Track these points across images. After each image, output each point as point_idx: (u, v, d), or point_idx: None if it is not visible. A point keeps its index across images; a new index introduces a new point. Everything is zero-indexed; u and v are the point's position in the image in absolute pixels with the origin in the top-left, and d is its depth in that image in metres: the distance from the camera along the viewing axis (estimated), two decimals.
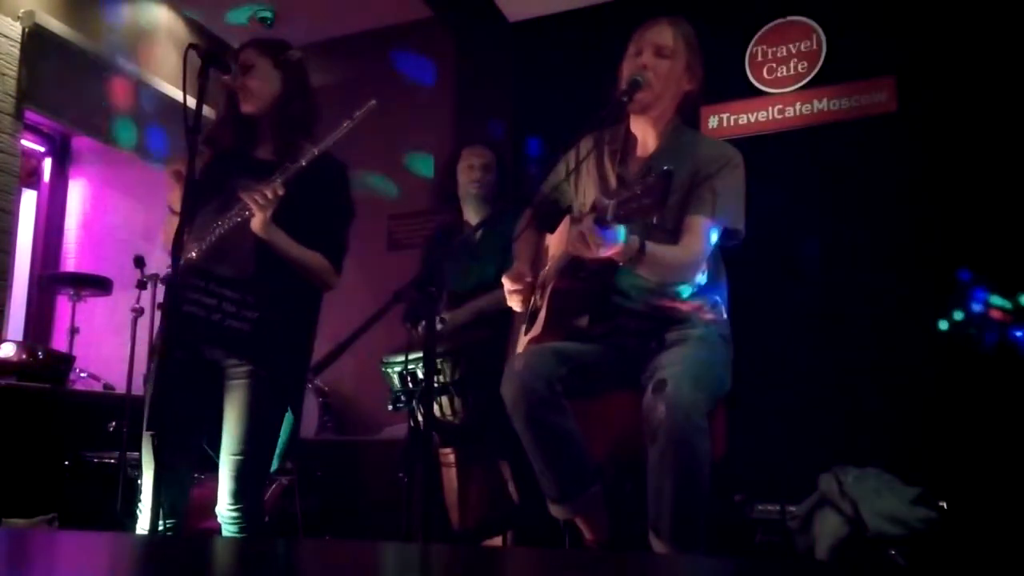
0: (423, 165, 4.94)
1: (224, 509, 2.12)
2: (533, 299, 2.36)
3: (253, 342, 2.15)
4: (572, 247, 1.96)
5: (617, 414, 2.15)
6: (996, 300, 3.09)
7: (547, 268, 2.36)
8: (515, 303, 2.34)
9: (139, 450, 2.17)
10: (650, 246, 1.97)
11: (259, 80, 2.29)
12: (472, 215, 3.16)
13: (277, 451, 2.28)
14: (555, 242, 2.41)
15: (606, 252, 1.90)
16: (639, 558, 1.63)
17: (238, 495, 2.10)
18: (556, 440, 2.05)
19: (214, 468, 2.19)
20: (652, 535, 1.97)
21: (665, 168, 1.78)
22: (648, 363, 2.08)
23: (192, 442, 2.20)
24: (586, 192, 2.34)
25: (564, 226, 2.36)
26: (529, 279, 2.33)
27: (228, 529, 2.13)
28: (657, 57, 2.19)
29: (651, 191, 1.78)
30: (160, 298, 2.42)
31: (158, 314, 2.38)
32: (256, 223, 2.12)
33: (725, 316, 2.26)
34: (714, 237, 2.13)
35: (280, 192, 2.10)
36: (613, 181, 2.27)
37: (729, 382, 2.17)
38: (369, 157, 4.98)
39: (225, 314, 2.15)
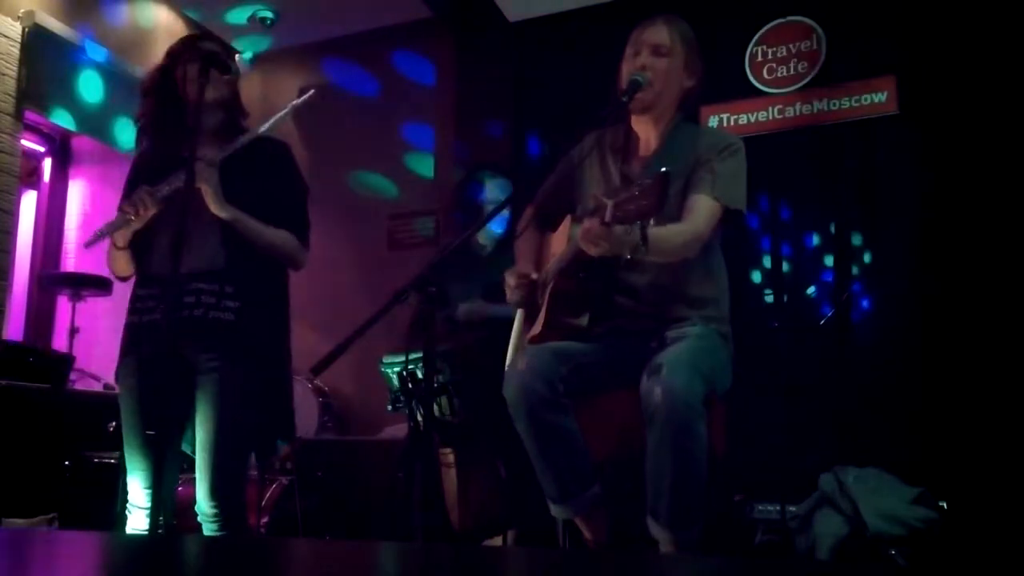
0: (423, 165, 4.95)
1: (203, 507, 2.10)
2: (535, 298, 2.37)
3: (239, 331, 2.14)
4: (582, 243, 1.97)
5: (617, 414, 2.15)
6: None
7: (548, 267, 2.36)
8: (515, 301, 2.35)
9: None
10: (651, 232, 1.95)
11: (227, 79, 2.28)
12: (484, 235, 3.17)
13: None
14: (557, 241, 2.42)
15: (610, 250, 1.92)
16: (638, 557, 1.63)
17: (214, 492, 2.08)
18: (557, 440, 2.06)
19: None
20: (650, 519, 1.97)
21: (663, 170, 1.78)
22: (648, 362, 2.08)
23: (177, 440, 2.19)
24: (589, 191, 2.34)
25: (566, 225, 2.36)
26: (532, 277, 2.33)
27: (207, 527, 2.10)
28: (655, 56, 2.20)
29: (649, 192, 1.78)
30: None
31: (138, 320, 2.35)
32: (210, 201, 2.11)
33: (725, 315, 2.26)
34: (714, 210, 2.13)
35: (216, 161, 2.11)
36: (617, 180, 2.27)
37: (729, 380, 2.17)
38: (370, 157, 5.00)
39: (207, 307, 2.13)
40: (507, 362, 2.37)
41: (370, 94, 5.12)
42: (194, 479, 2.12)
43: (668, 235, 2.06)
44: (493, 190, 3.14)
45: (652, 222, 1.83)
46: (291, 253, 2.28)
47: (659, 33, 2.21)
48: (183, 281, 2.11)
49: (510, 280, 2.31)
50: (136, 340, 2.18)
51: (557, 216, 2.45)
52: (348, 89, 5.18)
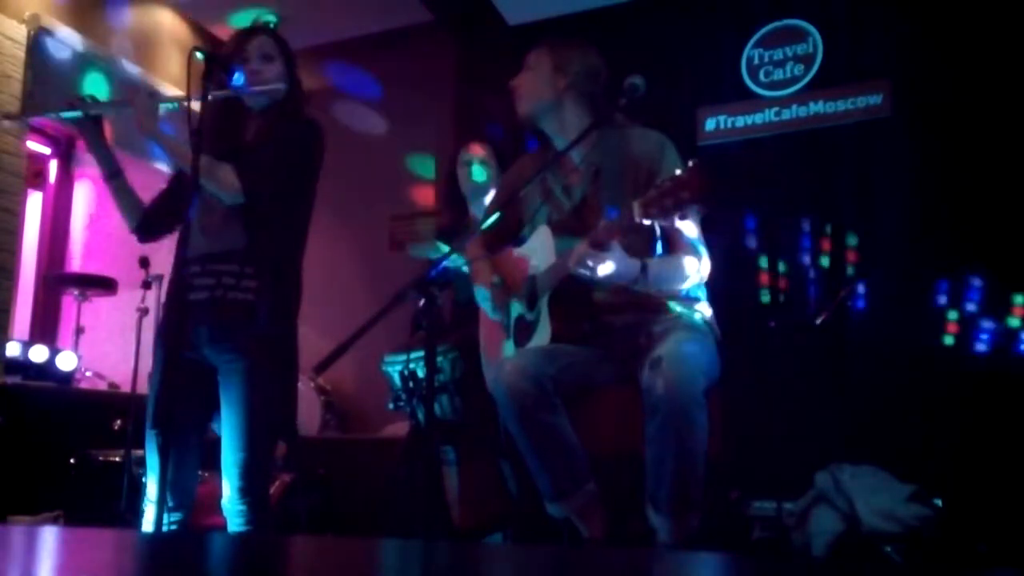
0: (424, 167, 4.98)
1: (231, 504, 2.10)
2: (506, 302, 2.42)
3: (257, 311, 2.11)
4: (571, 265, 2.05)
5: (610, 410, 2.17)
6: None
7: (529, 272, 2.39)
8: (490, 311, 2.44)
9: (143, 448, 2.18)
10: (651, 265, 2.06)
11: (276, 73, 2.27)
12: (478, 210, 3.22)
13: None
14: (538, 252, 2.40)
15: (607, 275, 2.02)
16: (637, 554, 1.65)
17: (245, 490, 2.08)
18: (549, 439, 2.07)
19: (219, 465, 2.17)
20: (649, 508, 1.99)
21: (691, 162, 1.83)
22: (641, 357, 2.08)
23: (197, 438, 2.18)
24: (537, 215, 2.40)
25: (544, 238, 2.35)
26: (495, 283, 2.41)
27: (235, 523, 2.11)
28: (522, 73, 2.38)
29: (685, 184, 1.81)
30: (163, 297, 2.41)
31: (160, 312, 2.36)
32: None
33: (705, 301, 2.29)
34: (697, 231, 2.22)
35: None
36: (563, 198, 2.35)
37: (719, 368, 2.17)
38: (371, 159, 5.03)
39: (226, 288, 2.11)
40: (494, 362, 2.43)
41: (372, 97, 5.16)
42: (210, 476, 2.12)
43: (668, 268, 2.15)
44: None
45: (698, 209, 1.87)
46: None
47: (530, 56, 2.39)
48: (202, 262, 2.12)
49: (489, 302, 2.43)
50: (166, 326, 2.18)
51: (503, 245, 2.51)
52: (350, 92, 5.22)
